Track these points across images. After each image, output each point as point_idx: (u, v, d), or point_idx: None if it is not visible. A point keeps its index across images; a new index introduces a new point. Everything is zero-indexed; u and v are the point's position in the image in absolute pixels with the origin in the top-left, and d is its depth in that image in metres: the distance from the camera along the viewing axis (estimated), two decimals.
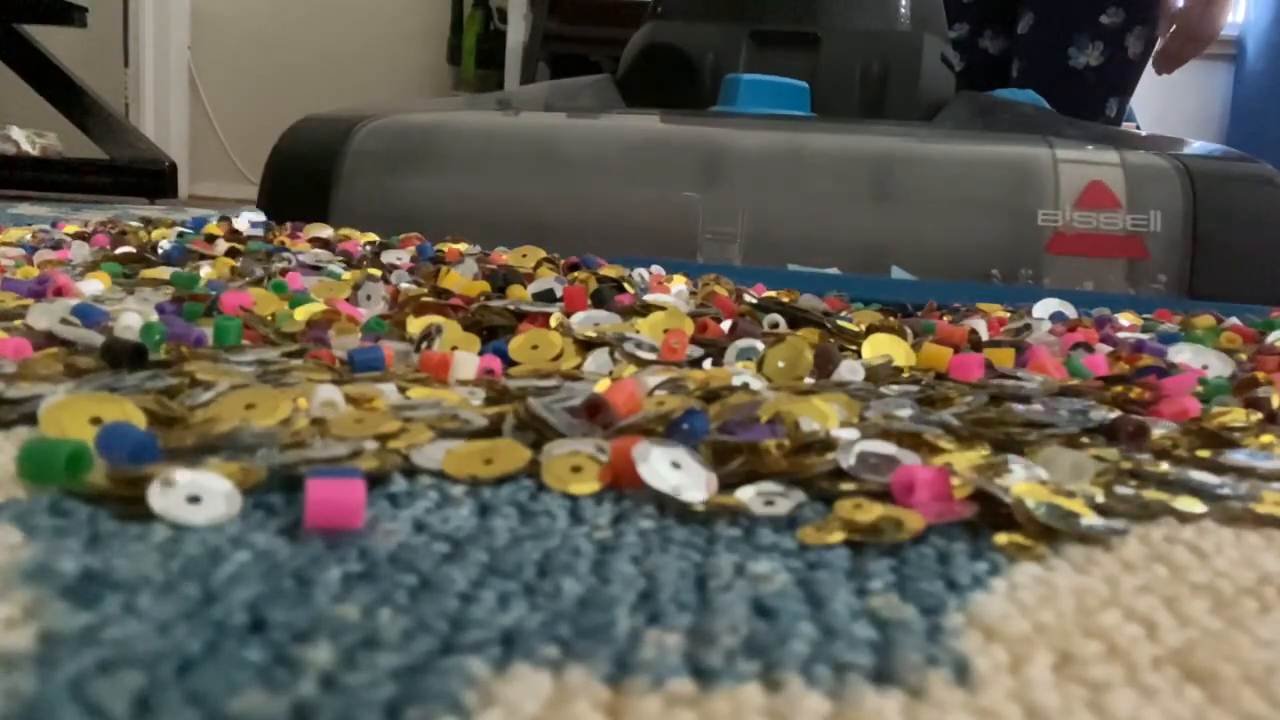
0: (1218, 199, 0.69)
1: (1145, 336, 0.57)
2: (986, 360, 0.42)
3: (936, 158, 0.74)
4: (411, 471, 0.27)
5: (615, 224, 0.75)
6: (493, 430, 0.30)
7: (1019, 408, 0.34)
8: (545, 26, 2.74)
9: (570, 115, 0.84)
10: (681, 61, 0.97)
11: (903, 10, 0.99)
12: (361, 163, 0.82)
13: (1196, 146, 0.83)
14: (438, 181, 0.81)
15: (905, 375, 0.40)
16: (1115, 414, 0.34)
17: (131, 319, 0.39)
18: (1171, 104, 3.22)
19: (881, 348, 0.44)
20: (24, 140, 2.14)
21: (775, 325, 0.51)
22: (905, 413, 0.33)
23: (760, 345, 0.41)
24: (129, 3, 2.98)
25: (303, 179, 0.84)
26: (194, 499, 0.23)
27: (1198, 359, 0.47)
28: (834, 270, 0.73)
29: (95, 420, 0.27)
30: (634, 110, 0.92)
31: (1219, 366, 0.46)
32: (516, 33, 2.92)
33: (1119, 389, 0.38)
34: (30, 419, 0.29)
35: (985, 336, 0.51)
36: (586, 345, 0.42)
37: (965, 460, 0.29)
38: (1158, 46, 1.73)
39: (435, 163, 0.82)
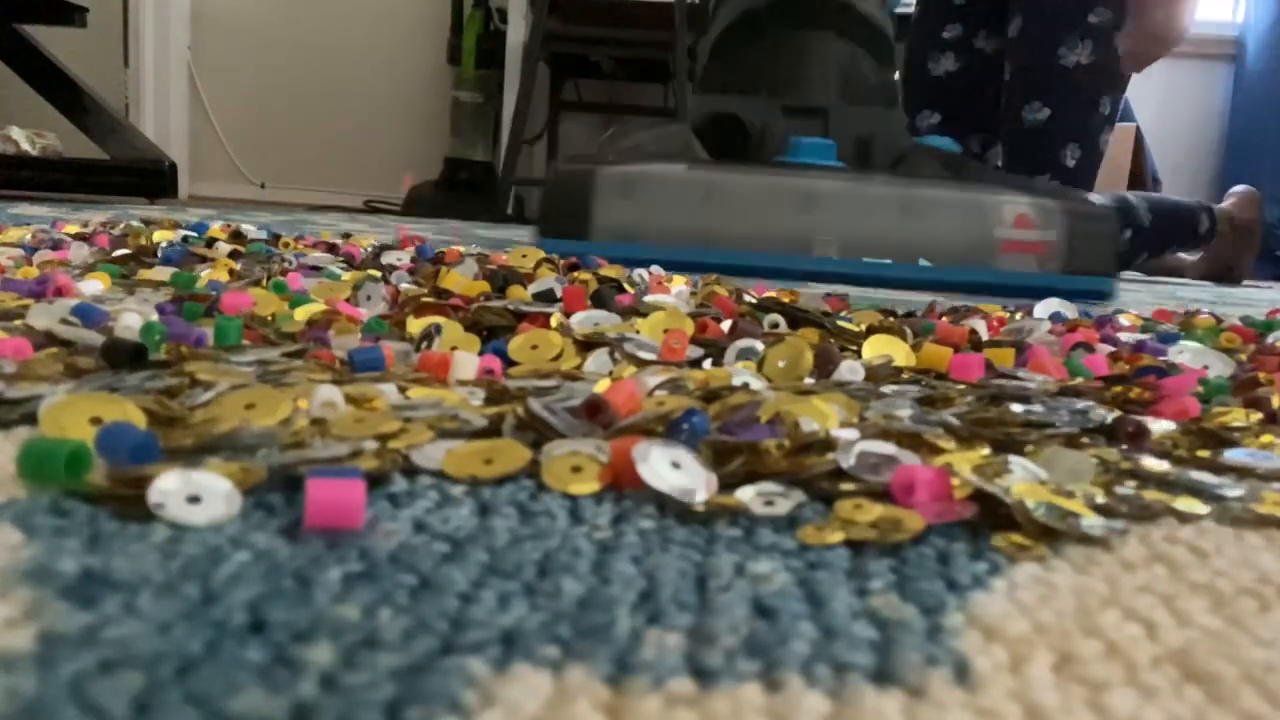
0: (1078, 224, 1.27)
1: (1145, 337, 0.57)
2: (986, 360, 0.42)
3: (941, 198, 1.27)
4: (411, 471, 0.27)
5: (756, 235, 1.24)
6: (493, 430, 0.30)
7: (1018, 408, 0.34)
8: (545, 26, 2.74)
9: (728, 170, 1.30)
10: (739, 125, 1.41)
11: (882, 92, 1.48)
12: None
13: (1071, 194, 1.36)
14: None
15: (905, 375, 0.40)
16: (1115, 414, 0.34)
17: (131, 319, 0.39)
18: (1172, 104, 3.22)
19: (881, 348, 0.44)
20: (24, 140, 2.14)
21: (775, 325, 0.51)
22: (905, 413, 0.33)
23: (760, 346, 0.41)
24: (129, 3, 2.98)
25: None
26: (194, 499, 0.23)
27: (1198, 360, 0.47)
28: (924, 261, 1.23)
29: (95, 420, 0.27)
30: (761, 166, 1.36)
31: (1219, 367, 0.46)
32: (516, 33, 2.92)
33: (1119, 389, 0.38)
34: (30, 419, 0.29)
35: (985, 336, 0.51)
36: (586, 345, 0.42)
37: (965, 460, 0.29)
38: (1125, 47, 1.75)
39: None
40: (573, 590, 0.20)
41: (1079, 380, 0.41)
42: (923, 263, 1.21)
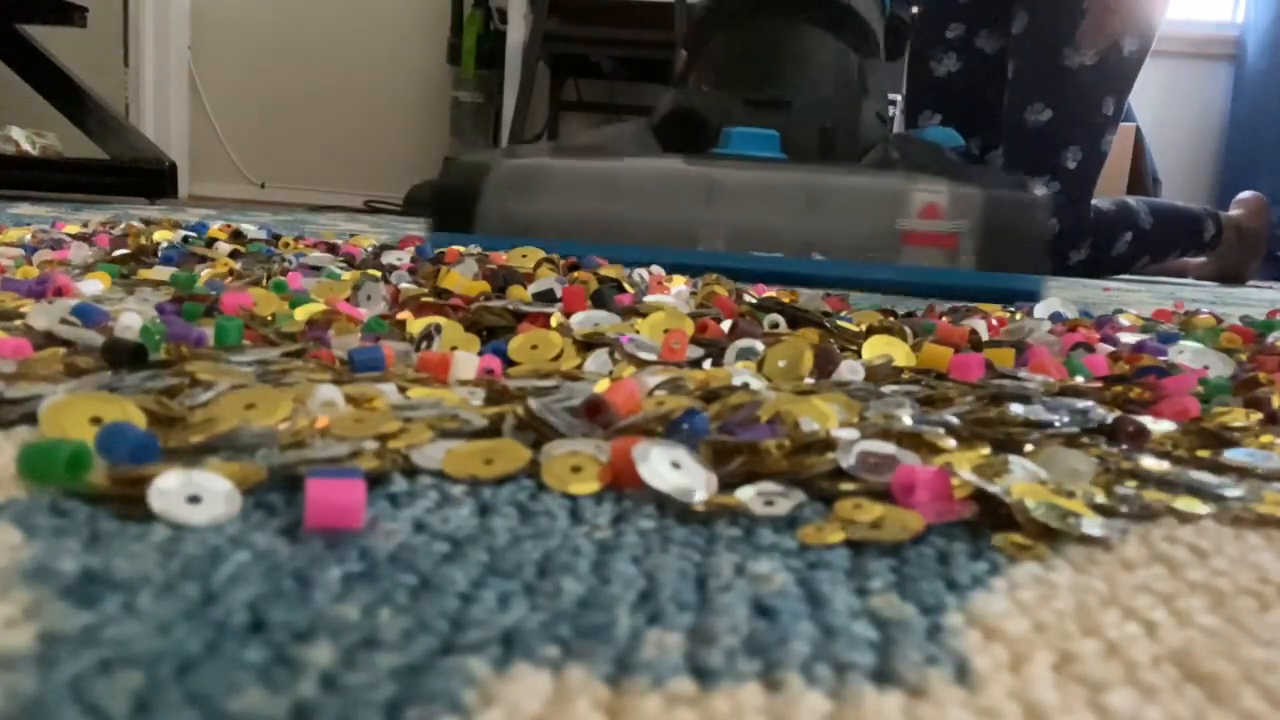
0: (996, 213, 1.12)
1: (1145, 337, 0.57)
2: (987, 360, 0.42)
3: (841, 186, 1.17)
4: (411, 471, 0.27)
5: (653, 228, 1.18)
6: (493, 430, 0.30)
7: (1018, 408, 0.34)
8: (545, 26, 2.74)
9: (628, 158, 1.25)
10: (699, 121, 1.35)
11: (847, 83, 1.40)
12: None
13: (1003, 180, 1.21)
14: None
15: (905, 375, 0.40)
16: (1115, 414, 0.34)
17: (131, 319, 0.39)
18: (1172, 104, 3.22)
19: (881, 348, 0.44)
20: (24, 140, 2.14)
21: (775, 325, 0.51)
22: (904, 412, 0.33)
23: (760, 345, 0.41)
24: (129, 3, 2.98)
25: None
26: (194, 499, 0.23)
27: (1198, 360, 0.47)
28: (817, 256, 1.13)
29: (95, 420, 0.27)
30: (664, 155, 1.30)
31: (1220, 367, 0.46)
32: (516, 33, 2.92)
33: (1119, 389, 0.38)
34: (30, 419, 0.29)
35: (985, 336, 0.51)
36: (586, 345, 0.42)
37: (965, 460, 0.29)
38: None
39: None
40: (573, 590, 0.20)
41: (1079, 380, 0.41)
42: (815, 257, 1.12)
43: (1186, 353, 0.48)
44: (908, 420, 0.32)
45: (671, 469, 0.26)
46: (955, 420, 0.32)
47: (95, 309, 0.42)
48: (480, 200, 1.20)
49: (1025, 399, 0.36)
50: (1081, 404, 0.35)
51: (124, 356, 0.34)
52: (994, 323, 0.59)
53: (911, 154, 1.34)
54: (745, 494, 0.26)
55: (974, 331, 0.49)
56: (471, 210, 1.19)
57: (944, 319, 0.62)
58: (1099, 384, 0.40)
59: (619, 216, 1.17)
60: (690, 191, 1.17)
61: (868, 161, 1.33)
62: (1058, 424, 0.32)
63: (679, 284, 0.69)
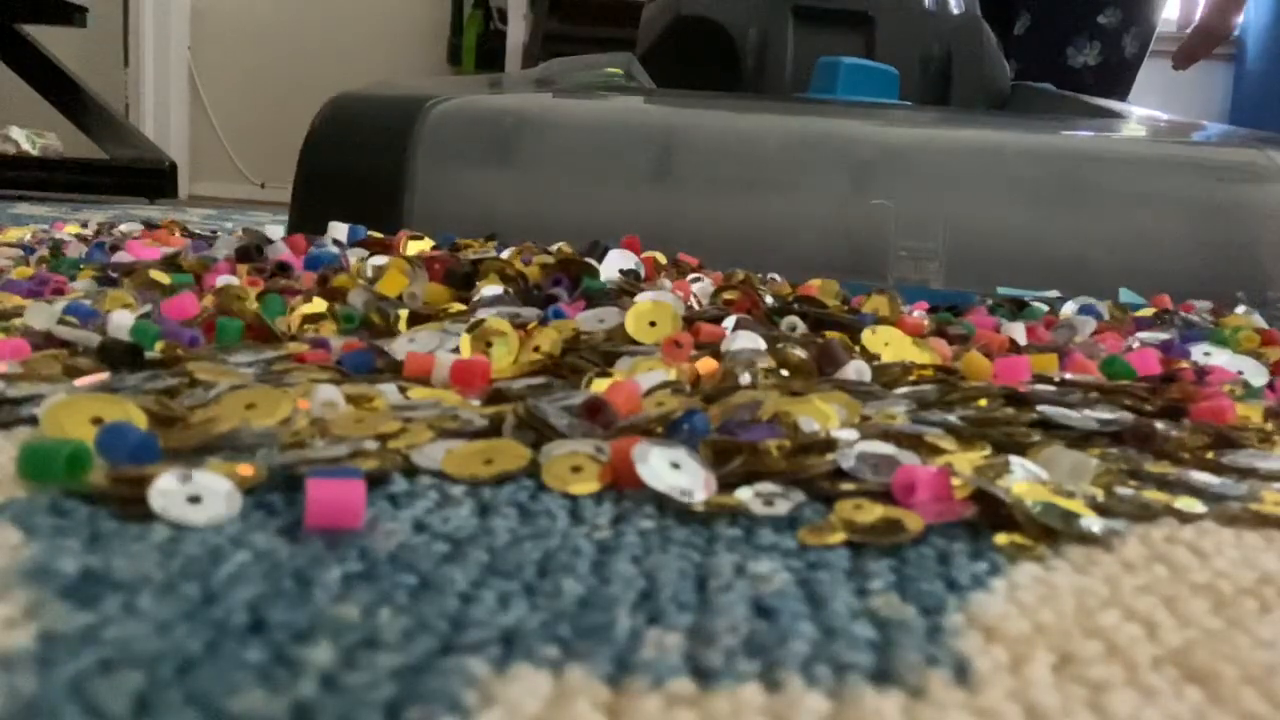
0: None
1: (1167, 335, 0.54)
2: (1029, 364, 0.39)
3: (1135, 157, 0.62)
4: (411, 471, 0.27)
5: (763, 239, 0.63)
6: (493, 430, 0.30)
7: (1051, 410, 0.33)
8: (545, 26, 2.74)
9: (684, 104, 0.69)
10: (717, 38, 0.85)
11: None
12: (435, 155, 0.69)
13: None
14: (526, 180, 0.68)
15: (914, 376, 0.38)
16: (1135, 417, 0.33)
17: (123, 318, 0.39)
18: (1172, 104, 3.22)
19: (893, 347, 0.42)
20: (24, 140, 2.14)
21: (793, 328, 0.46)
22: (902, 410, 0.33)
23: (762, 344, 0.40)
24: (129, 3, 2.98)
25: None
26: (194, 499, 0.23)
27: (1233, 364, 0.45)
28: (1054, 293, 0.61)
29: (95, 420, 0.27)
30: (760, 98, 0.77)
31: (1254, 372, 0.44)
32: (516, 33, 2.92)
33: (1155, 390, 0.37)
34: (30, 419, 0.29)
35: (1023, 341, 0.47)
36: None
37: (966, 460, 0.28)
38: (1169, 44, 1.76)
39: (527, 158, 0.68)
40: (573, 590, 0.20)
41: (1119, 381, 0.38)
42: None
43: (1219, 355, 0.46)
44: (905, 421, 0.32)
45: (671, 469, 0.26)
46: (956, 420, 0.32)
47: (88, 308, 0.41)
48: (409, 171, 0.68)
49: (1059, 402, 0.34)
50: (1111, 412, 0.34)
51: (121, 357, 0.34)
52: (1037, 327, 0.51)
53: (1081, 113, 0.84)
54: (745, 494, 0.26)
55: (1012, 340, 0.45)
56: (393, 191, 0.68)
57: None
58: (1138, 384, 0.38)
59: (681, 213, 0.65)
60: (830, 166, 0.65)
61: (1045, 115, 0.83)
62: (1077, 427, 0.32)
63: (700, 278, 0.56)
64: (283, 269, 0.53)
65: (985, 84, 0.88)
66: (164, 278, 0.50)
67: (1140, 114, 0.92)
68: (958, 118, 0.77)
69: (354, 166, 0.71)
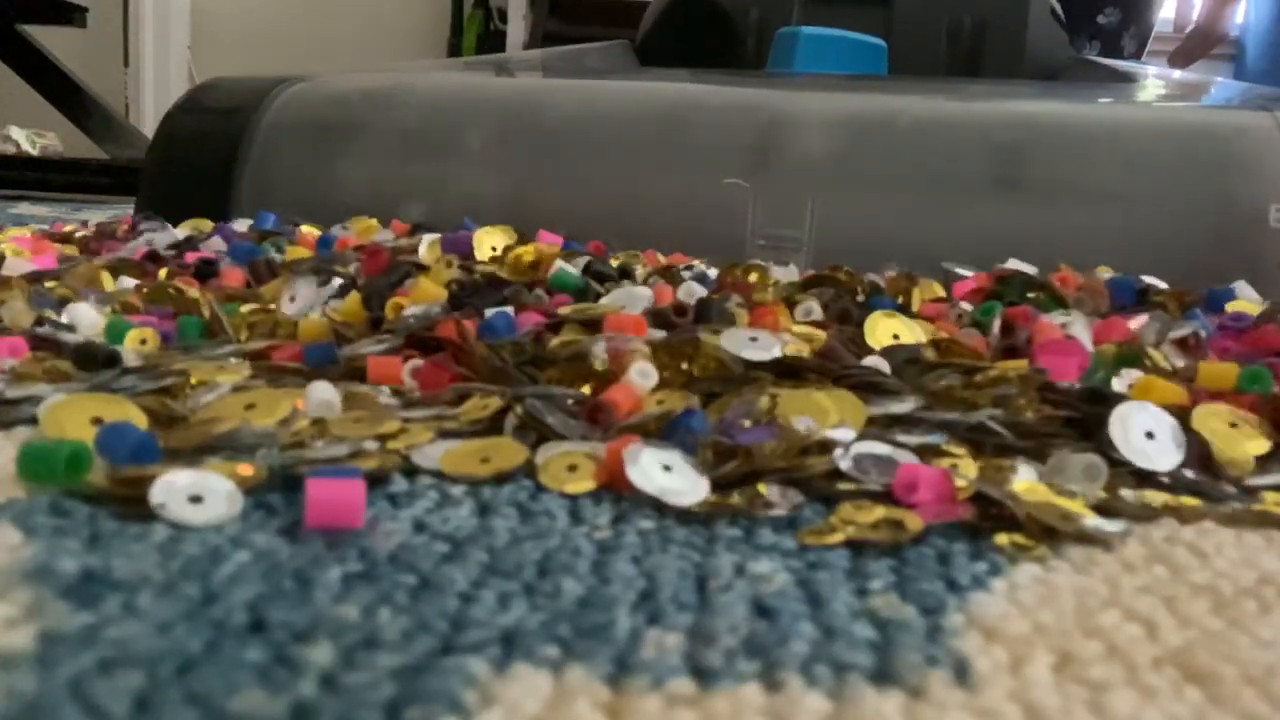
0: None
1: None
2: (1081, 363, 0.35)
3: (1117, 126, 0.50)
4: (411, 471, 0.27)
5: (626, 220, 0.57)
6: (494, 430, 0.30)
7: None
8: (545, 26, 2.74)
9: (566, 77, 0.63)
10: (719, 18, 0.79)
11: None
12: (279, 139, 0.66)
13: None
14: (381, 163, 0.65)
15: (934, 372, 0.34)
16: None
17: (90, 317, 0.38)
18: None
19: (890, 335, 0.38)
20: (24, 140, 2.14)
21: (809, 312, 0.42)
22: (904, 408, 0.32)
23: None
24: (129, 3, 2.98)
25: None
26: (194, 499, 0.23)
27: None
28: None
29: (96, 420, 0.27)
30: (655, 71, 0.71)
31: None
32: (516, 33, 2.92)
33: None
34: (30, 419, 0.29)
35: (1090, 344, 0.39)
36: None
37: (969, 462, 0.28)
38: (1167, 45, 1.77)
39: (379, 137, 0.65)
40: (573, 590, 0.20)
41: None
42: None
43: None
44: (909, 423, 0.31)
45: (662, 471, 0.26)
46: (956, 421, 0.32)
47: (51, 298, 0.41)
48: (243, 155, 0.66)
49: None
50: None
51: (97, 362, 0.34)
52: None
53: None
54: (744, 494, 0.26)
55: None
56: (226, 174, 0.66)
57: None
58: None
59: (547, 188, 0.60)
60: (721, 139, 0.58)
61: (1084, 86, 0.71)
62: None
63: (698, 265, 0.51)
64: (208, 265, 0.50)
65: (1033, 56, 0.78)
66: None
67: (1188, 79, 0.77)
68: (893, 87, 0.68)
69: (196, 151, 0.69)
